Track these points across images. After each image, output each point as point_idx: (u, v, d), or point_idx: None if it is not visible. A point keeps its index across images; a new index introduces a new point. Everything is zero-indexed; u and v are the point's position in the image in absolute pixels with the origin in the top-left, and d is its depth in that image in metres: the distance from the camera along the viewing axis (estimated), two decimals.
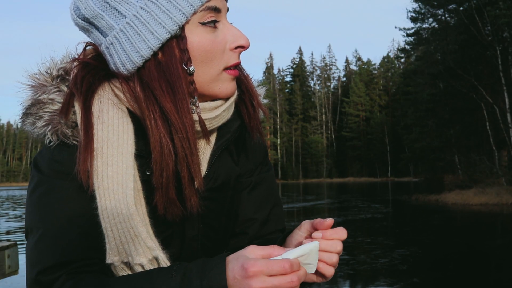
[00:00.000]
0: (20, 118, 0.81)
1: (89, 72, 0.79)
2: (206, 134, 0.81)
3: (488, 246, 8.23)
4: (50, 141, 0.78)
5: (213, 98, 0.83)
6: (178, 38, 0.75)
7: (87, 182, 0.74)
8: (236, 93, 0.86)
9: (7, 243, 1.84)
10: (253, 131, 0.91)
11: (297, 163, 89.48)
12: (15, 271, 1.85)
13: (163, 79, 0.75)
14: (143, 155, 0.79)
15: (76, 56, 0.83)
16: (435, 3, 29.23)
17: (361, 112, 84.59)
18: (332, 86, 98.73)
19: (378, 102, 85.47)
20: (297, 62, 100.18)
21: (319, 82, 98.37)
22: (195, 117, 0.78)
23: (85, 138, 0.75)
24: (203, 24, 0.77)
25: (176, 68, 0.75)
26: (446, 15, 30.09)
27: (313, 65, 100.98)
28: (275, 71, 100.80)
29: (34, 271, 0.74)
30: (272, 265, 0.65)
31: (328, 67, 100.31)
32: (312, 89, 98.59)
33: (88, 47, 0.84)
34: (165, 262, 0.78)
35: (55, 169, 0.77)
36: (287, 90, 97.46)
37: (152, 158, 0.76)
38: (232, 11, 0.86)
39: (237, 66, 0.84)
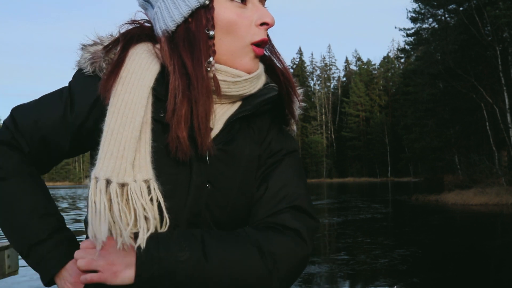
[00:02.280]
0: (79, 51, 0.93)
1: (140, 31, 0.92)
2: (218, 92, 0.86)
3: (488, 246, 8.23)
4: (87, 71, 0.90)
5: None
6: (206, 8, 0.86)
7: (104, 97, 0.84)
8: (259, 70, 0.91)
9: (7, 243, 1.84)
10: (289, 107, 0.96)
11: None
12: (15, 271, 1.85)
13: (187, 39, 0.85)
14: (162, 99, 0.86)
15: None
16: (435, 3, 29.23)
17: (361, 112, 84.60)
18: (332, 86, 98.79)
19: (378, 102, 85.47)
20: (297, 62, 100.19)
21: (319, 82, 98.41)
22: (210, 75, 0.85)
23: (114, 65, 0.85)
24: None
25: (199, 31, 0.85)
26: (446, 15, 30.09)
27: (313, 65, 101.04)
28: None
29: (14, 109, 0.93)
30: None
31: (328, 67, 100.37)
32: (312, 89, 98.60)
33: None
34: (156, 188, 0.80)
35: (79, 82, 0.90)
36: None
37: (168, 98, 0.84)
38: None
39: (262, 45, 0.90)
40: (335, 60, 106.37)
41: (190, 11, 0.85)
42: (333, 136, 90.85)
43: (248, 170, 0.91)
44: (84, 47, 0.92)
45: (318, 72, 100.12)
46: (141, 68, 0.86)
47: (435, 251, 7.86)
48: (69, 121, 0.89)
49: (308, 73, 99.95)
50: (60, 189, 56.02)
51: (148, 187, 0.79)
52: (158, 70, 0.87)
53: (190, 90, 0.82)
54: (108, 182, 0.78)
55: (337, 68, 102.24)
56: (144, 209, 0.78)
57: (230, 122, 0.90)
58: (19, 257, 1.89)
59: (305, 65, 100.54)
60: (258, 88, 0.91)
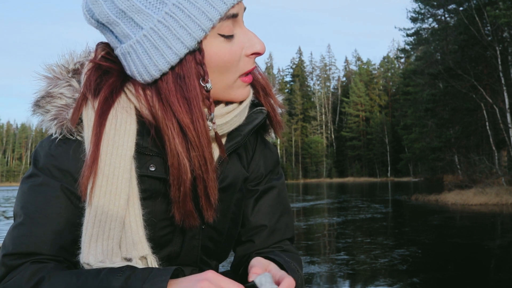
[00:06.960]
0: (32, 109, 0.81)
1: (102, 75, 0.79)
2: (221, 148, 0.82)
3: (488, 246, 8.22)
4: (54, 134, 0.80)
5: (227, 102, 0.84)
6: (196, 52, 0.74)
7: (85, 195, 0.75)
8: (249, 98, 0.86)
9: None
10: (276, 126, 0.94)
11: (297, 163, 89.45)
12: None
13: (180, 94, 0.74)
14: (148, 154, 0.80)
15: (93, 54, 0.83)
16: (435, 3, 29.28)
17: (361, 112, 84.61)
18: (331, 86, 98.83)
19: (378, 102, 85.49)
20: (296, 62, 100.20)
21: (318, 82, 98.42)
22: (212, 133, 0.79)
23: (92, 153, 0.75)
24: (221, 35, 0.76)
25: (193, 84, 0.74)
26: (446, 15, 30.12)
27: (313, 65, 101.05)
28: (275, 71, 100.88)
29: (2, 252, 0.76)
30: (227, 283, 0.66)
31: (328, 67, 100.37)
32: (312, 89, 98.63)
33: (100, 46, 0.84)
34: (153, 263, 0.77)
35: (51, 163, 0.78)
36: (286, 90, 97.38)
37: (169, 173, 0.77)
38: None
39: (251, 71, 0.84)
40: (335, 60, 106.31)
41: (178, 59, 0.73)
42: (333, 136, 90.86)
43: (238, 200, 0.91)
44: (37, 106, 0.80)
45: (318, 72, 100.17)
46: (119, 134, 0.76)
47: (435, 251, 7.85)
48: (78, 205, 0.78)
49: (307, 73, 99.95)
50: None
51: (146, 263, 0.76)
52: (136, 129, 0.78)
53: (193, 159, 0.76)
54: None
55: (337, 68, 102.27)
56: None
57: (221, 162, 0.86)
58: None
59: (305, 64, 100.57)
60: (246, 116, 0.86)
